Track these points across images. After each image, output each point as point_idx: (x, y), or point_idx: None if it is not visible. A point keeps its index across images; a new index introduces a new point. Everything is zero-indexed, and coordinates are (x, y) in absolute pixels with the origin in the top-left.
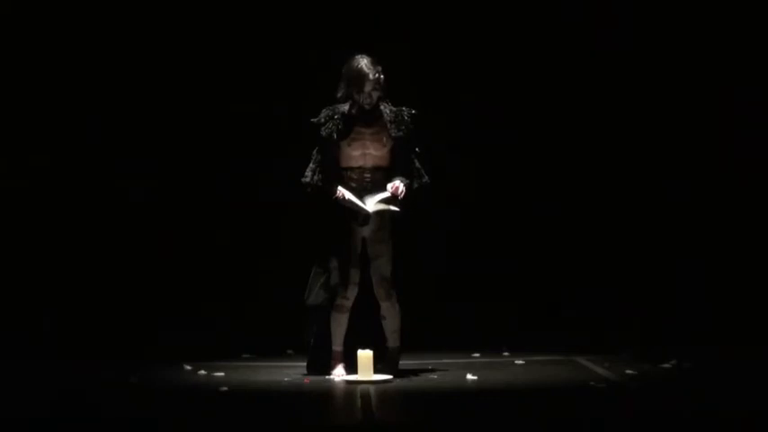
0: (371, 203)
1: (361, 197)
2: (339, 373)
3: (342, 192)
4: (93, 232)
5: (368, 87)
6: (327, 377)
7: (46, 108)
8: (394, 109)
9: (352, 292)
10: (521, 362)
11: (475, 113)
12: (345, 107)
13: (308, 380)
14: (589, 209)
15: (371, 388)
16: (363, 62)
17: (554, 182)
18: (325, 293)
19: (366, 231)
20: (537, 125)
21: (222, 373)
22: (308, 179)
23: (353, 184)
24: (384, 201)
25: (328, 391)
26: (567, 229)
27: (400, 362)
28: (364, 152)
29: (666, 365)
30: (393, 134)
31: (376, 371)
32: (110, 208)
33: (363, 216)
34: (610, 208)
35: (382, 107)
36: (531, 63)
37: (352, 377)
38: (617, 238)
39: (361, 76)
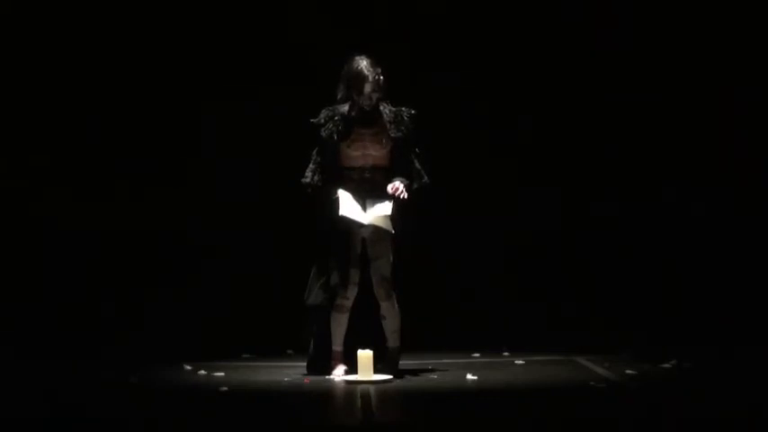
0: (370, 213)
1: (362, 198)
2: (339, 373)
3: (340, 199)
4: (92, 231)
5: (368, 89)
6: (327, 377)
7: (46, 108)
8: (393, 109)
9: (352, 292)
10: (521, 362)
11: (474, 113)
12: (345, 108)
13: (307, 380)
14: (588, 208)
15: (371, 388)
16: (363, 64)
17: (553, 181)
18: (325, 293)
19: (366, 232)
20: (536, 125)
21: (222, 373)
22: (307, 179)
23: (353, 185)
24: (383, 214)
25: (328, 391)
26: (567, 228)
27: (400, 362)
28: (364, 153)
29: (666, 365)
30: (392, 135)
31: (376, 371)
32: (109, 207)
33: (358, 224)
34: (609, 207)
35: (382, 108)
36: (530, 63)
37: (352, 377)
38: (617, 237)
39: (361, 77)
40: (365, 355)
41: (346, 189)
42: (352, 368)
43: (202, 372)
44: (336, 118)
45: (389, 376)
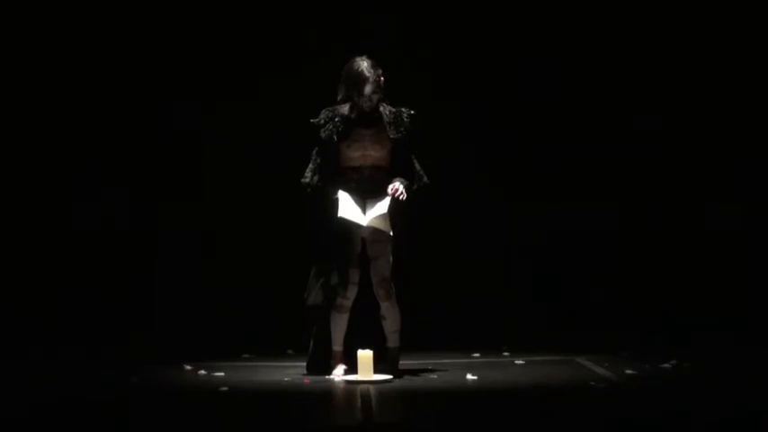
0: (370, 215)
1: (362, 199)
2: (339, 373)
3: (339, 200)
4: (90, 229)
5: (368, 90)
6: (327, 377)
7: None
8: (393, 110)
9: (352, 292)
10: (521, 362)
11: (475, 113)
12: (345, 109)
13: (307, 380)
14: (588, 209)
15: (371, 388)
16: (363, 65)
17: (553, 182)
18: (325, 293)
19: (365, 232)
20: (537, 125)
21: (222, 373)
22: (307, 180)
23: (353, 185)
24: (382, 215)
25: (328, 391)
26: (568, 228)
27: (400, 362)
28: (364, 153)
29: (666, 365)
30: (391, 135)
31: (376, 371)
32: (111, 205)
33: (357, 225)
34: (608, 208)
35: (381, 108)
36: (531, 62)
37: (352, 377)
38: (617, 238)
39: (361, 79)
40: (365, 355)
41: (346, 190)
42: (352, 368)
43: (202, 372)
44: (336, 119)
45: (389, 376)
